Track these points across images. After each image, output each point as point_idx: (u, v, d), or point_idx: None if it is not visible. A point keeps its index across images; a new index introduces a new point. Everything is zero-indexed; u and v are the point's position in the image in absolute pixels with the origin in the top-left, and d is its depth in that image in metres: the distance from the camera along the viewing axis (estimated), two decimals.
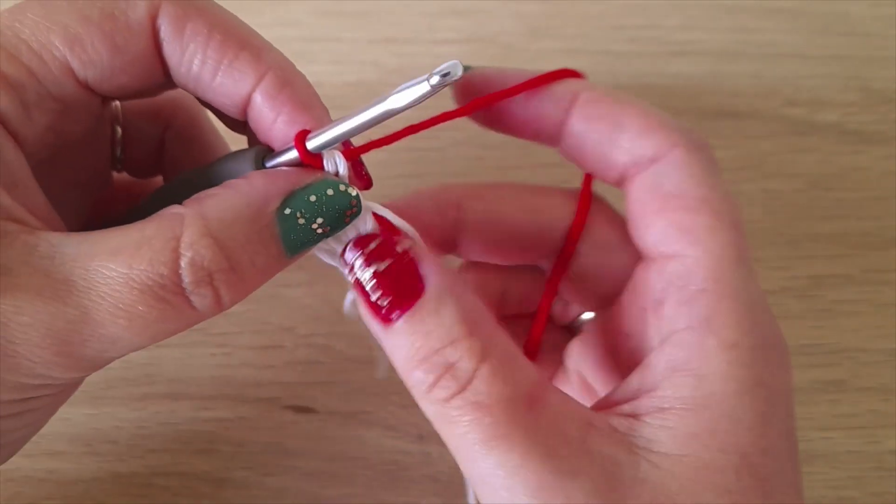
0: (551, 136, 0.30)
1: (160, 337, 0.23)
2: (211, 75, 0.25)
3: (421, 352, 0.24)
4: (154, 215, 0.24)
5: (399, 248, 0.25)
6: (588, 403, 0.26)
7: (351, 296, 0.28)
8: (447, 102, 0.30)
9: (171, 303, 0.22)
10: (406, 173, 0.45)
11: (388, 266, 0.24)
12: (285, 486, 0.38)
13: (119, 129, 0.33)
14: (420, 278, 0.24)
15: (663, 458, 0.23)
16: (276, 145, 0.26)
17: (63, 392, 0.26)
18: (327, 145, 0.25)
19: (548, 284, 0.32)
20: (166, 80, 0.27)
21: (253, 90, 0.25)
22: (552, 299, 0.32)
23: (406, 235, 0.26)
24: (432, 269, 0.25)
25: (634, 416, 0.24)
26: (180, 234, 0.23)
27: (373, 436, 0.39)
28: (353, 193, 0.25)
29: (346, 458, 0.39)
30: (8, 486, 0.37)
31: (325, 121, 0.26)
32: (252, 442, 0.39)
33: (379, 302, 0.24)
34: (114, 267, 0.22)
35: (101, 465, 0.38)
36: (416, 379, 0.24)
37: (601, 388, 0.31)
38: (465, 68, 0.29)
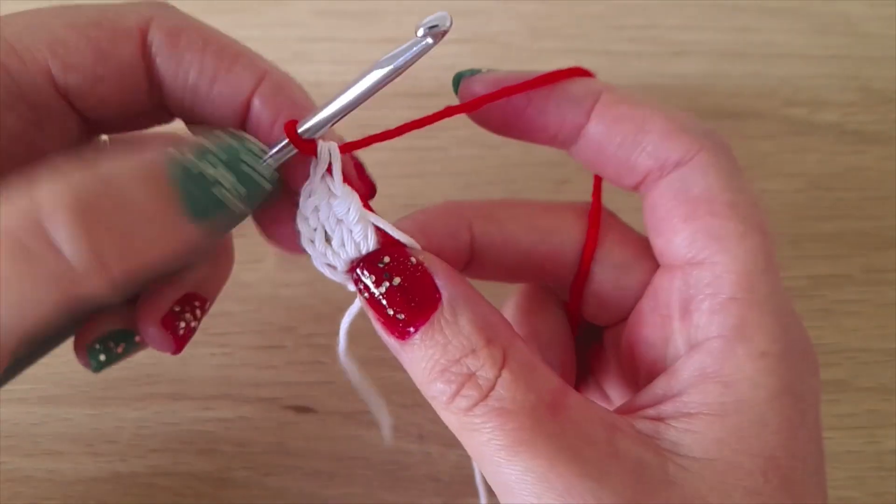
0: (567, 139, 0.28)
1: (34, 314, 0.20)
2: (209, 84, 0.25)
3: (440, 363, 0.23)
4: None
5: (412, 261, 0.24)
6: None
7: (345, 326, 0.28)
8: (452, 101, 0.29)
9: (36, 252, 0.19)
10: (407, 173, 0.45)
11: (402, 280, 0.24)
12: (286, 486, 0.38)
13: None
14: (436, 289, 0.24)
15: (691, 462, 0.23)
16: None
17: None
18: (318, 126, 0.24)
19: (569, 313, 0.32)
20: (150, 103, 0.26)
21: (252, 94, 0.25)
22: (577, 325, 0.32)
23: (415, 247, 0.25)
24: (446, 280, 0.24)
25: (659, 419, 0.24)
26: (63, 173, 0.20)
27: (373, 436, 0.39)
28: (256, 142, 0.24)
29: (346, 458, 0.39)
30: (8, 486, 0.37)
31: None
32: (253, 442, 0.39)
33: (396, 317, 0.24)
34: None
35: (102, 465, 0.38)
36: (436, 390, 0.24)
37: (617, 396, 0.31)
38: (472, 72, 0.29)
